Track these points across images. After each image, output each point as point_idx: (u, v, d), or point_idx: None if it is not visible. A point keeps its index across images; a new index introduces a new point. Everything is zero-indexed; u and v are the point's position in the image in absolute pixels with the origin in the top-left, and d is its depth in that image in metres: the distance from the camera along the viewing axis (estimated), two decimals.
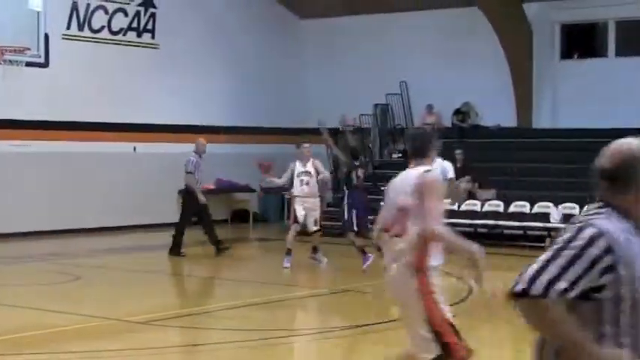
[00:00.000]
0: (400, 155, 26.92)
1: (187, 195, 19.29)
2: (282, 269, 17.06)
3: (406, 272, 6.54)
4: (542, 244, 21.13)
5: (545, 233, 21.33)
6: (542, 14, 26.02)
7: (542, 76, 26.06)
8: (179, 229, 19.16)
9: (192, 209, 19.13)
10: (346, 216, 17.38)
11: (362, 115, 27.41)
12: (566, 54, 26.52)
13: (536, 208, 21.88)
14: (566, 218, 21.15)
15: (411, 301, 6.54)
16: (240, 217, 27.17)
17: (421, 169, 6.63)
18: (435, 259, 6.82)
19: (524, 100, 26.20)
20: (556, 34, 26.31)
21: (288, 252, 17.37)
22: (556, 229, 21.29)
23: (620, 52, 25.53)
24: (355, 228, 17.22)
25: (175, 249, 18.97)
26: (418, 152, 6.82)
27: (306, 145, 18.17)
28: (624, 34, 25.68)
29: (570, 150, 23.75)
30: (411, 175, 6.66)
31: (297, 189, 17.67)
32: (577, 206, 21.18)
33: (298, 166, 17.81)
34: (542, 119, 26.04)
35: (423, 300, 6.50)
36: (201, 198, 18.97)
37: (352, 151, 18.95)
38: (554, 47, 26.33)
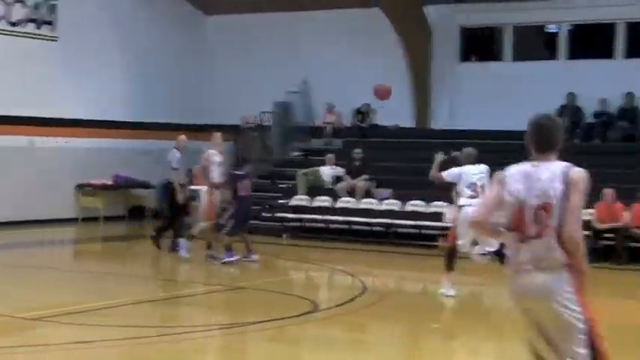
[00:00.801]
0: (300, 153, 27.09)
1: (168, 190, 18.94)
2: (223, 264, 17.24)
3: (562, 278, 5.72)
4: (436, 243, 21.52)
5: (439, 232, 21.69)
6: (443, 17, 26.43)
7: (441, 78, 26.47)
8: (166, 222, 19.00)
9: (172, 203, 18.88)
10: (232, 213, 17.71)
11: (263, 112, 27.48)
12: (466, 57, 26.98)
13: (431, 208, 22.21)
14: None
15: (567, 312, 5.67)
16: (137, 213, 26.97)
17: (560, 163, 5.89)
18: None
19: (423, 101, 26.60)
20: (456, 36, 26.74)
21: (209, 246, 17.73)
22: (449, 229, 21.67)
23: (517, 57, 26.08)
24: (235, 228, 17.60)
25: (157, 239, 18.79)
26: (547, 144, 5.91)
27: (218, 133, 18.29)
28: (521, 39, 26.24)
29: None
30: (551, 169, 5.83)
31: (218, 179, 17.83)
32: None
33: (217, 156, 17.89)
34: (440, 120, 26.44)
35: (582, 308, 5.70)
36: (179, 197, 18.64)
37: (242, 157, 19.25)
38: (454, 50, 26.75)
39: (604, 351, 5.69)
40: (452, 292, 14.07)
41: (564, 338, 5.66)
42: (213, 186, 17.83)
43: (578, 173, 5.79)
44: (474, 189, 13.93)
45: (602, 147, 23.09)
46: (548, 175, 5.79)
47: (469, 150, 14.58)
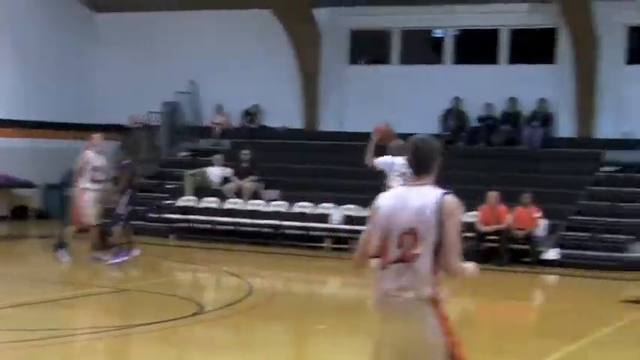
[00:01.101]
0: (188, 154, 26.94)
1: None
2: (62, 264, 16.93)
3: (422, 306, 5.51)
4: (322, 245, 21.69)
5: (325, 234, 21.87)
6: (332, 20, 26.59)
7: (330, 80, 26.62)
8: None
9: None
10: (121, 211, 17.53)
11: (151, 112, 27.25)
12: (355, 59, 27.20)
13: (319, 209, 22.35)
14: (347, 220, 21.75)
15: (430, 340, 5.49)
16: (21, 213, 26.41)
17: (434, 189, 5.62)
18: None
19: (311, 103, 26.72)
20: (345, 39, 26.94)
21: (63, 245, 17.38)
22: (336, 230, 21.93)
23: (404, 60, 26.41)
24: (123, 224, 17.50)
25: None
26: (421, 167, 5.72)
27: (97, 134, 18.03)
28: (408, 43, 26.59)
29: (354, 153, 24.37)
30: (423, 193, 5.60)
31: (98, 179, 17.57)
32: (358, 207, 21.77)
33: (95, 157, 17.62)
34: (329, 122, 26.60)
35: (444, 337, 5.50)
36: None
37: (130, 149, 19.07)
38: (343, 52, 26.95)
39: None
40: None
41: None
42: (94, 187, 17.52)
43: (453, 201, 5.52)
44: (404, 179, 14.06)
45: (486, 150, 23.56)
46: (420, 200, 5.53)
47: (399, 142, 14.69)
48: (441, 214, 5.43)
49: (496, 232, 19.87)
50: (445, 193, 5.52)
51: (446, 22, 25.77)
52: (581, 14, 23.40)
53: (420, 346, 5.42)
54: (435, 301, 5.44)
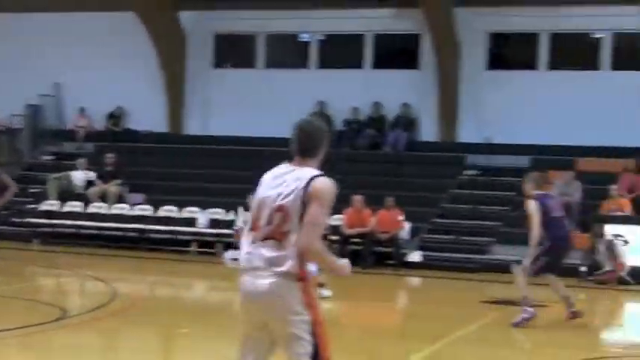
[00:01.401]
0: (52, 157, 26.45)
1: None
2: None
3: (286, 282, 5.47)
4: (189, 249, 21.59)
5: (191, 238, 21.79)
6: (197, 23, 26.51)
7: (195, 84, 26.53)
8: None
9: None
10: None
11: (14, 115, 26.66)
12: (220, 63, 27.16)
13: (184, 213, 22.25)
14: (213, 223, 21.72)
15: (291, 316, 5.45)
16: None
17: (310, 170, 5.57)
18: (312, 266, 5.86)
19: (176, 107, 26.57)
20: (210, 42, 26.87)
21: None
22: (202, 234, 21.87)
23: (269, 64, 26.50)
24: None
25: None
26: (305, 149, 5.64)
27: None
28: (274, 47, 26.70)
29: (219, 156, 24.41)
30: (299, 174, 5.56)
31: None
32: (223, 211, 21.78)
33: None
34: (194, 125, 26.50)
35: (310, 314, 5.46)
36: None
37: None
38: (208, 55, 26.88)
39: (327, 357, 5.51)
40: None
41: (290, 344, 5.45)
42: None
43: (322, 183, 5.48)
44: None
45: (351, 154, 23.84)
46: (295, 179, 5.52)
47: None
48: (307, 193, 5.42)
49: (360, 235, 20.14)
50: (318, 175, 5.50)
51: (311, 27, 25.98)
52: (443, 21, 23.94)
53: (283, 318, 5.42)
54: (301, 278, 5.44)
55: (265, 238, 5.51)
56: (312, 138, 5.65)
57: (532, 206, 12.95)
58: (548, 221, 12.90)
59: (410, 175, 23.22)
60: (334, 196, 5.52)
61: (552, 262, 13.08)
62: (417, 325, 13.34)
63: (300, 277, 5.46)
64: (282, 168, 5.67)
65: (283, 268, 5.43)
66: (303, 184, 5.47)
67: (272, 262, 5.46)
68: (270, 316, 5.49)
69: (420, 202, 21.82)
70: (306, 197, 5.43)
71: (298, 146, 5.64)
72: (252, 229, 5.61)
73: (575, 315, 13.18)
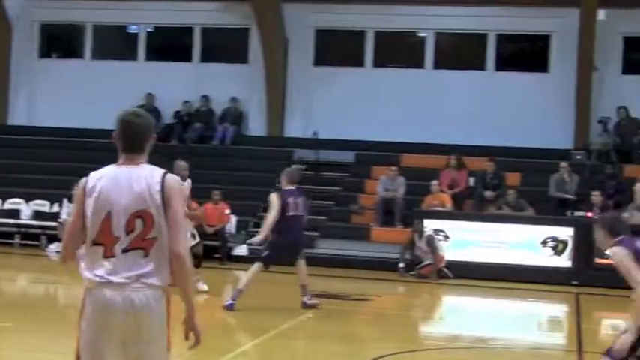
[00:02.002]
0: None
1: None
2: None
3: (156, 296, 5.04)
4: (12, 241, 21.12)
5: (15, 230, 21.32)
6: (22, 12, 25.86)
7: (21, 74, 25.88)
8: None
9: None
10: None
11: None
12: (46, 53, 26.56)
13: (7, 205, 21.74)
14: (37, 215, 21.30)
15: (156, 333, 5.04)
16: None
17: (155, 168, 5.14)
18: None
19: (1, 97, 25.86)
20: (36, 32, 26.25)
21: None
22: (27, 226, 21.41)
23: (97, 55, 26.05)
24: None
25: None
26: (136, 145, 5.15)
27: None
28: (102, 37, 26.31)
29: (44, 148, 23.92)
30: (143, 174, 5.09)
31: None
32: (48, 203, 21.43)
33: None
34: (19, 117, 25.86)
35: (168, 330, 5.09)
36: None
37: None
38: (34, 45, 26.25)
39: None
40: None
41: None
42: None
43: (174, 180, 5.13)
44: None
45: (179, 147, 23.74)
46: (143, 180, 5.04)
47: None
48: (165, 193, 5.02)
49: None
50: (166, 172, 5.12)
51: (140, 18, 25.73)
52: (271, 16, 24.15)
53: (148, 339, 4.99)
54: (166, 290, 5.05)
55: (128, 249, 5.01)
56: (141, 132, 5.16)
57: (274, 200, 13.58)
58: (282, 218, 13.48)
59: (237, 169, 23.33)
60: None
61: (275, 256, 13.72)
62: (241, 319, 13.45)
63: (165, 289, 5.07)
64: (118, 170, 5.12)
65: (153, 280, 5.01)
66: (156, 184, 5.05)
67: (141, 274, 4.99)
68: (135, 334, 4.99)
69: (247, 196, 21.95)
70: (165, 198, 5.03)
71: (126, 142, 5.14)
72: (102, 242, 5.03)
73: (307, 305, 13.68)
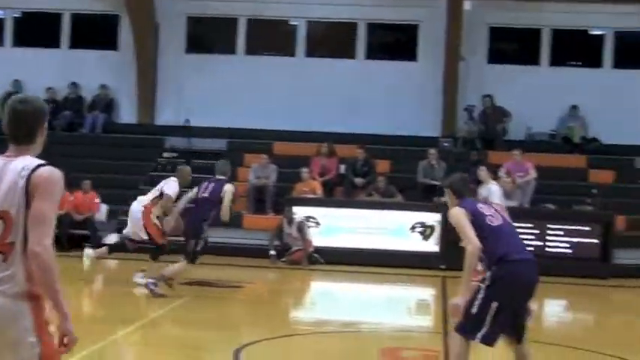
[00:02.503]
0: None
1: None
2: None
3: (15, 305, 4.54)
4: None
5: None
6: None
7: None
8: None
9: None
10: None
11: None
12: None
13: None
14: None
15: (20, 349, 4.53)
16: None
17: (29, 160, 4.61)
18: None
19: None
20: None
21: None
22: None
23: None
24: None
25: None
26: (23, 134, 4.68)
27: None
28: (27, 25, 25.61)
29: None
30: (15, 166, 4.59)
31: None
32: None
33: None
34: None
35: (40, 343, 4.55)
36: None
37: None
38: None
39: None
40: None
41: None
42: None
43: (46, 173, 4.55)
44: None
45: (48, 135, 23.26)
46: (13, 174, 4.56)
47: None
48: (29, 188, 4.51)
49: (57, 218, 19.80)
50: (40, 165, 4.58)
51: (8, 3, 25.21)
52: (142, 2, 23.93)
53: (12, 351, 4.52)
54: (32, 297, 4.55)
55: None
56: (32, 119, 4.68)
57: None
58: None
59: (108, 157, 23.09)
60: (61, 187, 4.65)
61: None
62: (112, 309, 13.37)
63: (32, 295, 4.56)
64: (0, 162, 4.66)
65: (12, 287, 4.52)
66: (21, 179, 4.54)
67: None
68: None
69: (117, 184, 21.76)
70: (29, 194, 4.52)
71: (15, 131, 4.68)
72: None
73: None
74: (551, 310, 16.66)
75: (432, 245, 19.57)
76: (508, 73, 23.89)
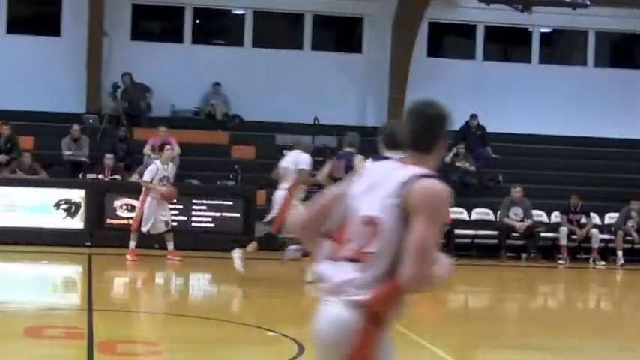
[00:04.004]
0: None
1: None
2: None
3: (354, 316, 4.08)
4: None
5: None
6: None
7: None
8: None
9: None
10: None
11: None
12: None
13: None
14: None
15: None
16: None
17: (414, 169, 4.11)
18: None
19: None
20: None
21: None
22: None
23: None
24: None
25: None
26: (418, 140, 4.23)
27: None
28: None
29: None
30: (401, 175, 4.12)
31: None
32: None
33: None
34: None
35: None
36: None
37: None
38: None
39: None
40: None
41: None
42: None
43: (427, 189, 4.03)
44: None
45: None
46: (393, 182, 4.10)
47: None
48: (405, 204, 4.03)
49: None
50: (423, 176, 4.05)
51: None
52: None
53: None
54: (374, 317, 4.09)
55: (346, 259, 4.18)
56: (430, 126, 4.22)
57: None
58: None
59: None
60: (446, 206, 4.12)
61: None
62: None
63: (373, 316, 4.10)
64: (383, 165, 4.28)
65: (354, 297, 4.10)
66: (399, 189, 4.08)
67: (342, 288, 4.14)
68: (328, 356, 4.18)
69: None
70: (404, 208, 4.05)
71: (411, 136, 4.24)
72: (336, 240, 4.25)
73: None
74: (197, 283, 17.21)
75: (77, 222, 19.47)
76: (151, 50, 24.18)
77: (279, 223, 14.78)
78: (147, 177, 17.35)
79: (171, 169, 17.78)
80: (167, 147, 17.94)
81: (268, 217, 15.23)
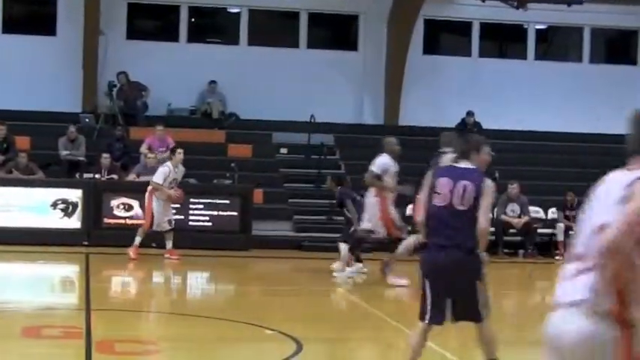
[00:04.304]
0: None
1: None
2: None
3: (604, 327, 3.95)
4: None
5: None
6: None
7: None
8: None
9: None
10: None
11: None
12: None
13: None
14: None
15: None
16: None
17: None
18: None
19: None
20: None
21: None
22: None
23: None
24: None
25: None
26: None
27: None
28: None
29: None
30: (623, 178, 4.08)
31: None
32: None
33: None
34: None
35: None
36: None
37: None
38: None
39: None
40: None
41: None
42: None
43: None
44: None
45: None
46: (620, 187, 4.11)
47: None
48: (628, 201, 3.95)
49: None
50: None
51: None
52: None
53: None
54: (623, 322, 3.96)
55: (583, 270, 4.08)
56: None
57: None
58: None
59: None
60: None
61: None
62: None
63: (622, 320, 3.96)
64: (616, 172, 4.22)
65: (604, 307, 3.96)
66: (625, 190, 4.04)
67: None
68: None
69: None
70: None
71: (637, 141, 4.18)
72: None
73: None
74: (195, 282, 17.22)
75: (74, 222, 19.46)
76: (147, 49, 24.16)
77: (389, 225, 14.82)
78: (159, 179, 17.30)
79: (180, 172, 17.78)
80: (179, 150, 17.90)
81: (364, 226, 15.05)
